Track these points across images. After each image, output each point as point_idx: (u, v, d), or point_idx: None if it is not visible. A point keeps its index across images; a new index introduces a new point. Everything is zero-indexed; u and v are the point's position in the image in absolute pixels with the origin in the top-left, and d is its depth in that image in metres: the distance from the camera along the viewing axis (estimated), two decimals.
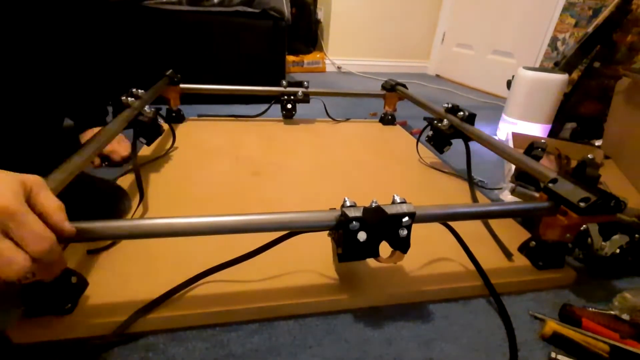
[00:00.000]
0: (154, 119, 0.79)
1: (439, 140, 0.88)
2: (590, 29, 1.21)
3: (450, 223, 0.51)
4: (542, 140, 0.65)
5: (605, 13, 1.21)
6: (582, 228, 0.51)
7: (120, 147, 0.84)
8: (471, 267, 0.54)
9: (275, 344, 0.43)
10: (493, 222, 0.66)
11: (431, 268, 0.54)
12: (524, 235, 0.64)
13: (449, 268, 0.55)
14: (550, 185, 0.52)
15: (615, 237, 0.53)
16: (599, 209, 0.47)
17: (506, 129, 1.20)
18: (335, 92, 1.23)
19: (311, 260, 0.53)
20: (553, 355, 0.43)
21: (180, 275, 0.47)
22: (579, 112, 1.25)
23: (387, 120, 1.25)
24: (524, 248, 0.59)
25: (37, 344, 0.40)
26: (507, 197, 0.78)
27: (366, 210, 0.42)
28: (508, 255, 0.58)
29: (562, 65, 1.23)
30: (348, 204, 0.43)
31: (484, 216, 0.59)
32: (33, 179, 0.32)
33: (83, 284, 0.44)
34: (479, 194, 0.79)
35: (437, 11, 2.41)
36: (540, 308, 0.51)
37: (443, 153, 0.90)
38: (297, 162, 0.89)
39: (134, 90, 0.81)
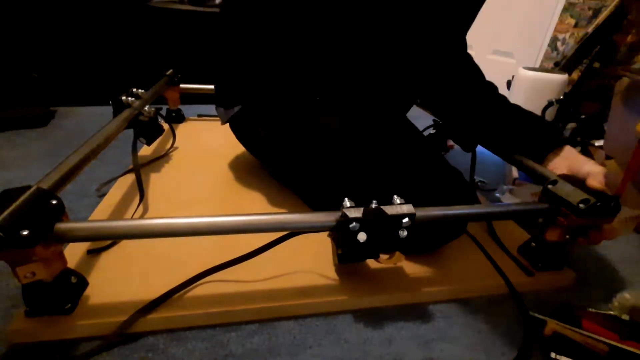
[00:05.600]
0: (154, 119, 0.78)
1: (437, 143, 0.88)
2: (590, 29, 1.21)
3: None
4: None
5: (605, 13, 1.21)
6: None
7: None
8: (471, 267, 0.55)
9: (275, 344, 0.43)
10: (493, 223, 0.66)
11: (431, 269, 0.54)
12: (524, 236, 0.64)
13: (449, 269, 0.55)
14: (549, 186, 0.52)
15: None
16: (599, 210, 0.47)
17: None
18: None
19: (311, 261, 0.53)
20: (553, 355, 0.43)
21: (181, 275, 0.47)
22: (579, 112, 1.25)
23: None
24: (524, 249, 0.59)
25: (37, 344, 0.40)
26: (507, 198, 0.78)
27: (366, 211, 0.42)
28: (508, 256, 0.58)
29: (562, 65, 1.23)
30: (348, 204, 0.43)
31: (484, 217, 0.59)
32: None
33: (83, 284, 0.44)
34: (479, 195, 0.79)
35: None
36: (540, 308, 0.51)
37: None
38: None
39: (134, 89, 0.81)
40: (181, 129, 1.05)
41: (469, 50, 0.62)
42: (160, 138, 0.83)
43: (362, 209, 0.42)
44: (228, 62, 0.66)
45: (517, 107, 0.60)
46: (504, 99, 0.61)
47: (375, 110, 0.63)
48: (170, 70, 1.07)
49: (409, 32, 0.56)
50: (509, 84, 1.23)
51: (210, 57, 0.72)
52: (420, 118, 0.91)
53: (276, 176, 0.78)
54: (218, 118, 1.17)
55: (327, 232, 0.47)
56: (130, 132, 0.75)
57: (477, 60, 0.64)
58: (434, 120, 0.93)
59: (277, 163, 0.73)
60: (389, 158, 0.56)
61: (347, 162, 0.57)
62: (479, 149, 0.79)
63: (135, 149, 0.72)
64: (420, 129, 0.71)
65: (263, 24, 0.59)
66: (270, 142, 0.66)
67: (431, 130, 0.93)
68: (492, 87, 0.63)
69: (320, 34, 0.58)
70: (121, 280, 0.47)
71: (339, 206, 0.43)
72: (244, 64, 0.63)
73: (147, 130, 0.78)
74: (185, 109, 1.14)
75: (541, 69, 1.18)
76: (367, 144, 0.57)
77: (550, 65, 1.45)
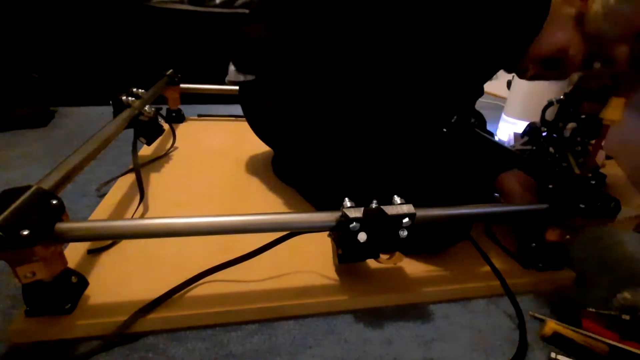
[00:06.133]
0: (154, 119, 0.78)
1: None
2: None
3: None
4: None
5: None
6: None
7: None
8: (471, 267, 0.55)
9: (275, 344, 0.43)
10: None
11: (431, 269, 0.54)
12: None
13: (449, 269, 0.55)
14: (550, 186, 0.52)
15: None
16: (599, 210, 0.47)
17: (506, 129, 1.20)
18: None
19: (311, 261, 0.53)
20: (553, 355, 0.43)
21: (180, 275, 0.47)
22: (579, 112, 1.25)
23: None
24: (524, 249, 0.59)
25: (37, 344, 0.40)
26: None
27: (366, 211, 0.42)
28: (509, 256, 0.58)
29: None
30: (348, 204, 0.43)
31: (484, 218, 0.59)
32: None
33: (83, 284, 0.44)
34: None
35: None
36: (540, 308, 0.51)
37: None
38: None
39: (134, 89, 0.81)
40: (181, 129, 1.05)
41: None
42: (160, 138, 0.83)
43: (362, 208, 0.42)
44: (258, 28, 0.63)
45: None
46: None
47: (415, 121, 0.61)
48: (170, 70, 1.07)
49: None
50: (509, 84, 1.23)
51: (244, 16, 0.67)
52: None
53: (276, 167, 0.79)
54: (218, 118, 1.18)
55: (327, 232, 0.47)
56: (130, 132, 0.75)
57: None
58: None
59: (279, 144, 0.71)
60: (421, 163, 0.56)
61: (377, 167, 0.56)
62: None
63: (135, 149, 0.72)
64: None
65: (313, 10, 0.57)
66: (278, 120, 0.64)
67: None
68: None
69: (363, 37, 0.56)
70: (121, 280, 0.47)
71: (338, 200, 0.43)
72: (273, 35, 0.60)
73: (147, 130, 0.78)
74: (185, 109, 1.14)
75: None
76: (413, 154, 0.56)
77: None
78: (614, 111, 0.52)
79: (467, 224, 0.56)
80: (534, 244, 0.56)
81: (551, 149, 0.90)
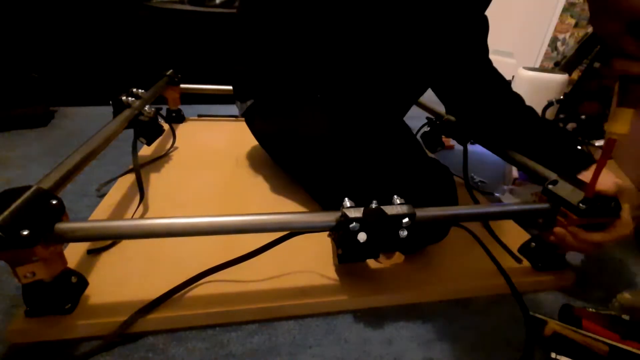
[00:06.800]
0: (154, 119, 0.78)
1: (433, 139, 0.89)
2: (590, 29, 1.21)
3: None
4: None
5: None
6: None
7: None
8: (471, 268, 0.55)
9: (275, 344, 0.43)
10: (492, 223, 0.66)
11: (431, 269, 0.54)
12: (523, 236, 0.64)
13: (449, 269, 0.55)
14: (550, 186, 0.52)
15: None
16: (599, 210, 0.47)
17: None
18: None
19: (311, 261, 0.53)
20: (553, 355, 0.43)
21: (180, 275, 0.47)
22: (579, 112, 1.25)
23: None
24: (524, 249, 0.59)
25: (37, 344, 0.40)
26: (507, 198, 0.78)
27: (366, 211, 0.42)
28: (510, 256, 0.58)
29: (562, 65, 1.23)
30: (348, 204, 0.43)
31: (484, 217, 0.59)
32: None
33: (83, 284, 0.44)
34: (478, 195, 0.79)
35: None
36: (540, 308, 0.51)
37: (435, 153, 0.90)
38: None
39: (134, 89, 0.81)
40: (181, 129, 1.05)
41: None
42: (160, 138, 0.83)
43: (362, 209, 0.42)
44: (243, 60, 0.71)
45: (546, 123, 0.63)
46: (532, 111, 0.64)
47: (375, 109, 0.64)
48: (170, 70, 1.07)
49: (416, 30, 0.57)
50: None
51: (228, 56, 0.77)
52: (415, 118, 0.92)
53: (284, 168, 0.81)
54: (218, 118, 1.18)
55: (327, 232, 0.47)
56: (130, 132, 0.75)
57: None
58: (427, 118, 0.93)
59: (278, 157, 0.77)
60: (373, 157, 0.56)
61: (332, 161, 0.58)
62: (480, 149, 0.79)
63: (135, 149, 0.72)
64: (416, 128, 0.72)
65: (273, 23, 0.62)
66: (272, 136, 0.71)
67: (426, 129, 0.93)
68: (519, 98, 0.66)
69: (328, 33, 0.58)
70: (121, 280, 0.47)
71: (337, 201, 0.43)
72: (255, 60, 0.67)
73: (147, 130, 0.78)
74: (185, 109, 1.14)
75: (541, 69, 1.18)
76: (355, 143, 0.57)
77: (550, 65, 1.45)
78: (621, 124, 0.40)
79: (445, 225, 0.55)
80: (533, 244, 0.56)
81: None
